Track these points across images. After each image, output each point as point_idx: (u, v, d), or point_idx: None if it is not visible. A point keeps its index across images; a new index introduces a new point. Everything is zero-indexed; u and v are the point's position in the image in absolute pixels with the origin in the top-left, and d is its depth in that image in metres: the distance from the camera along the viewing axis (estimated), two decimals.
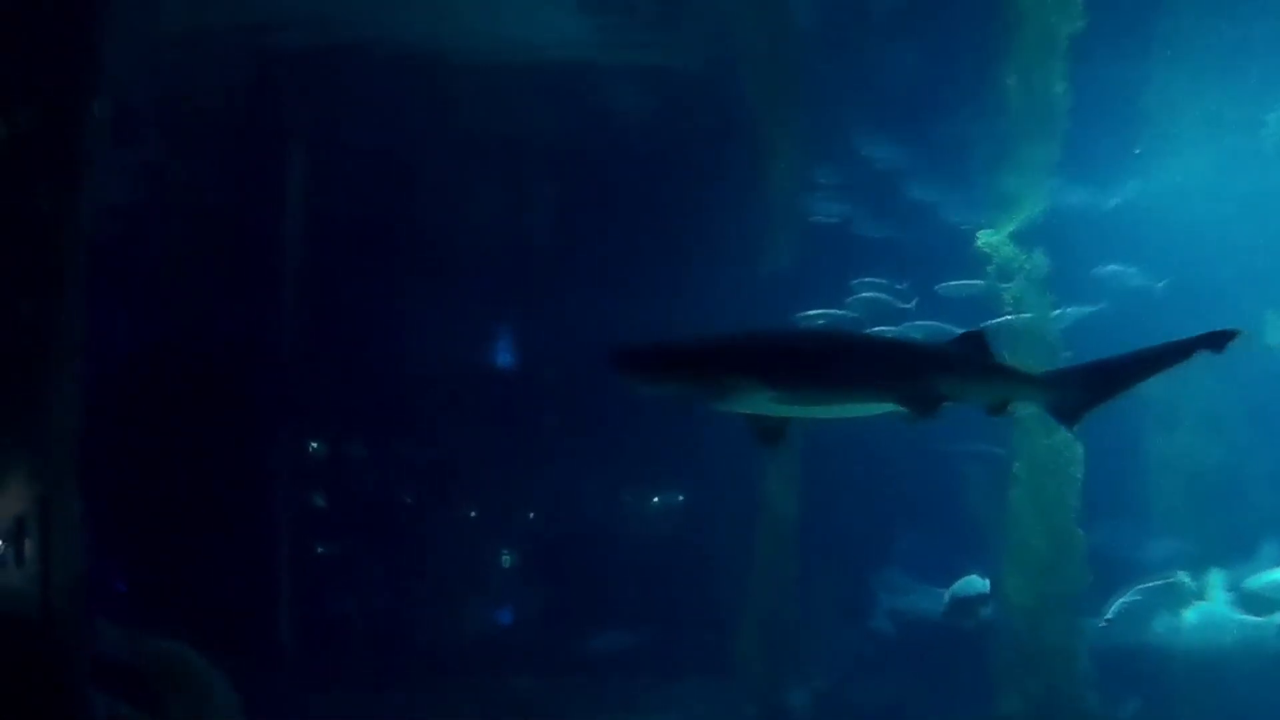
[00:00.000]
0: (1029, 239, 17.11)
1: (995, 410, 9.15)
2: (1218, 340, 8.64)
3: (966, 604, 16.50)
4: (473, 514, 21.14)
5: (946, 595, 16.88)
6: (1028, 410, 8.78)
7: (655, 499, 21.72)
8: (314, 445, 20.63)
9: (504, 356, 22.19)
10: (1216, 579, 16.96)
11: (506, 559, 21.04)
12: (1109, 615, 16.31)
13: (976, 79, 17.50)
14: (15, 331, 10.80)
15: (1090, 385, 9.15)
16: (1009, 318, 16.48)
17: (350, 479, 20.79)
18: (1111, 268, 18.04)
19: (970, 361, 9.00)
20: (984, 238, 17.06)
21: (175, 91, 17.27)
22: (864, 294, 17.58)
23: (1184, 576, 16.98)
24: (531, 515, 21.40)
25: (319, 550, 20.37)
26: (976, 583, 16.60)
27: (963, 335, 9.15)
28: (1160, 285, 17.94)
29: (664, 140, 19.57)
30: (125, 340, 17.80)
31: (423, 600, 19.96)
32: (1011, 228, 17.12)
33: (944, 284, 17.18)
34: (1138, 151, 18.71)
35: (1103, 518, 16.58)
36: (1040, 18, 16.93)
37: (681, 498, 21.67)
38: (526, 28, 17.46)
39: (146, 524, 17.08)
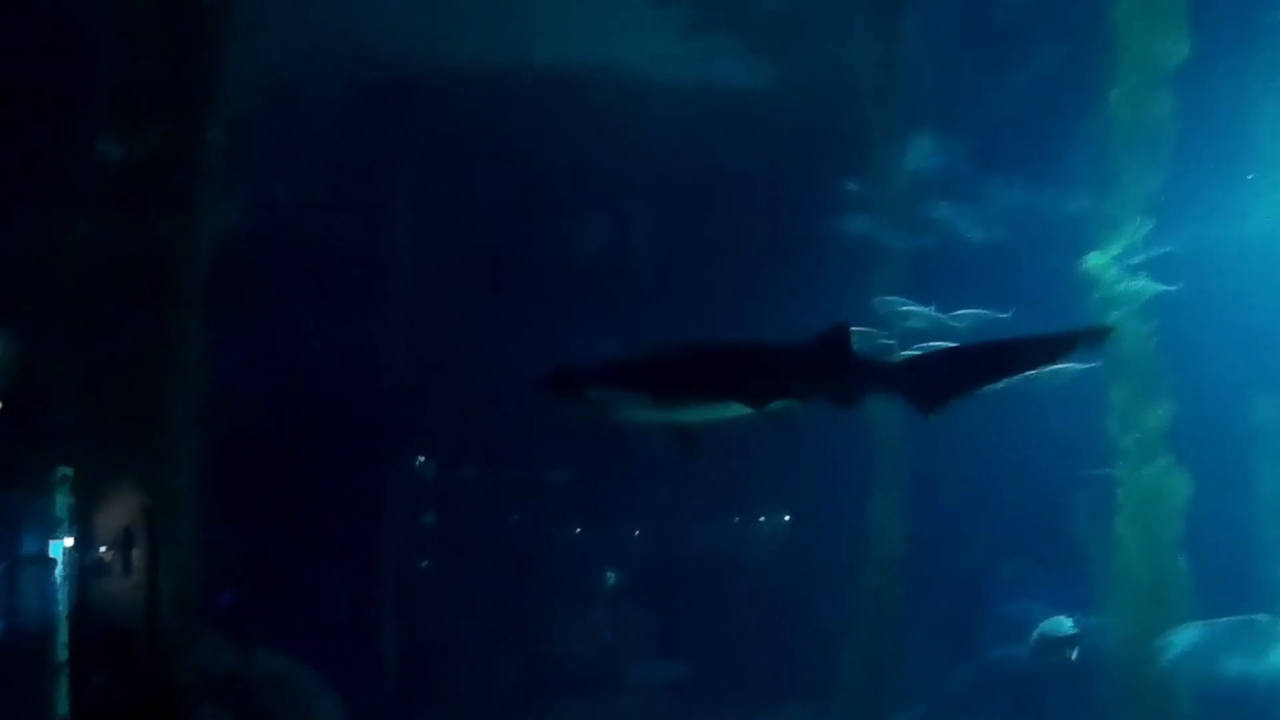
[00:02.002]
0: (1133, 265, 16.55)
1: (849, 403, 9.28)
2: (1088, 337, 9.12)
3: (1054, 644, 16.00)
4: (577, 535, 20.92)
5: (1035, 634, 16.36)
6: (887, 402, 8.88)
7: (760, 521, 21.36)
8: (421, 466, 20.51)
9: None
10: None
11: (610, 581, 20.76)
12: (1173, 655, 15.43)
13: (1079, 103, 16.99)
14: (132, 350, 10.76)
15: (949, 373, 9.21)
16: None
17: (455, 500, 20.63)
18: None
19: (826, 359, 9.19)
20: (1091, 261, 16.52)
21: (285, 116, 17.34)
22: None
23: (1264, 616, 16.09)
24: (636, 537, 21.12)
25: (425, 570, 20.22)
26: (1064, 624, 16.09)
27: (823, 332, 9.29)
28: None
29: (766, 164, 19.27)
30: (236, 362, 17.87)
31: (527, 621, 19.71)
32: (1116, 252, 16.58)
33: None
34: (1250, 178, 18.04)
35: None
36: (1144, 43, 16.40)
37: (786, 518, 21.29)
38: (629, 50, 17.34)
39: (257, 540, 17.06)
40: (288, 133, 17.29)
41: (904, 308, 16.27)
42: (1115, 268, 16.49)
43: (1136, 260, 16.50)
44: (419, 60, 17.33)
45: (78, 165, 11.52)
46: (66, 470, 10.21)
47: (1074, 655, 15.86)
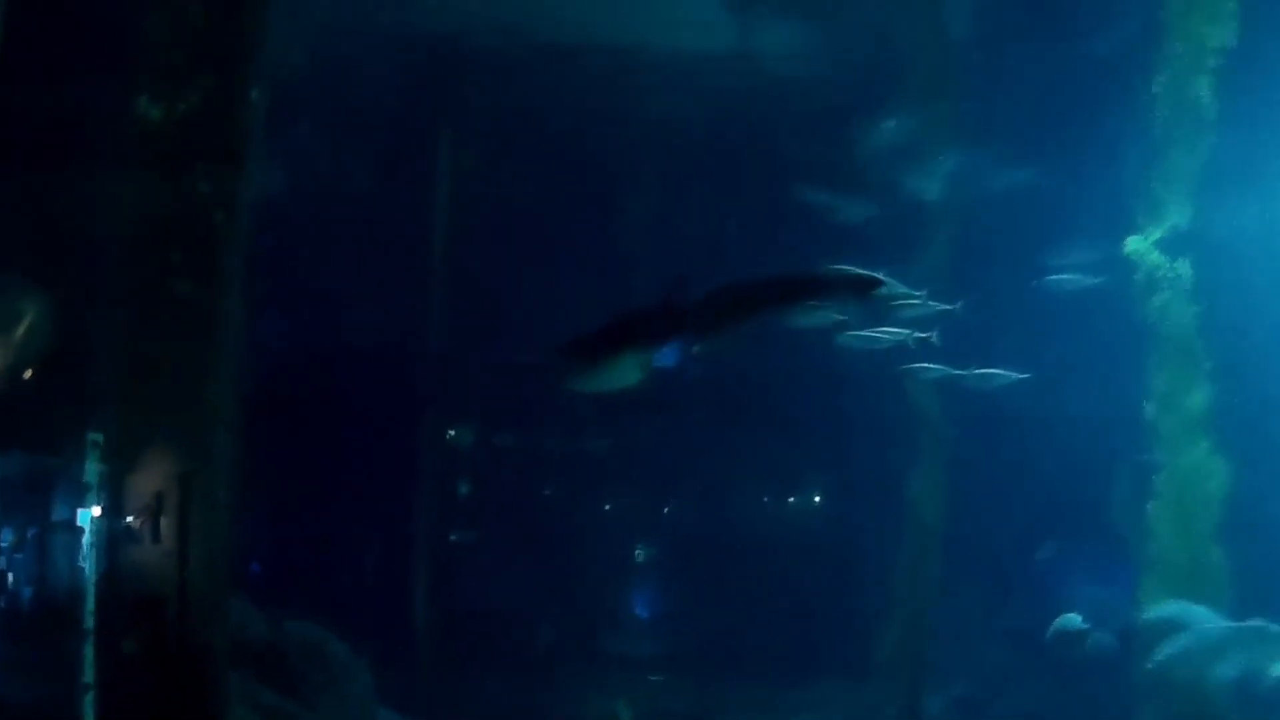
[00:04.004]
0: (1175, 248, 16.22)
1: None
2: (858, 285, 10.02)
3: (1066, 639, 15.64)
4: (610, 509, 20.53)
5: (1050, 630, 15.97)
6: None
7: (799, 498, 20.95)
8: (453, 436, 20.17)
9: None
10: None
11: (643, 555, 20.44)
12: (1158, 658, 14.77)
13: (1123, 85, 16.54)
14: (170, 311, 10.31)
15: (713, 307, 10.31)
16: None
17: (488, 471, 20.30)
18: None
19: (663, 304, 10.45)
20: (1131, 244, 16.04)
21: (330, 78, 16.95)
22: None
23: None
24: (670, 512, 20.71)
25: (455, 539, 19.90)
26: (1074, 620, 15.90)
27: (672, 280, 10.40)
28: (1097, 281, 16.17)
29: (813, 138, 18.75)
30: (273, 327, 17.53)
31: (558, 593, 19.40)
32: (1158, 236, 16.12)
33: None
34: None
35: None
36: (1190, 27, 15.91)
37: (818, 499, 20.87)
38: (671, 25, 16.97)
39: (289, 508, 16.75)
40: (333, 95, 16.94)
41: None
42: (1156, 251, 16.15)
43: (1178, 244, 16.10)
44: (465, 28, 16.96)
45: (116, 125, 11.04)
46: (97, 436, 9.78)
47: (1086, 649, 15.54)
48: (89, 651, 9.25)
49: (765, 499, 21.00)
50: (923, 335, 14.72)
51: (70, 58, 12.43)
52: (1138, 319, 16.06)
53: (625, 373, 10.22)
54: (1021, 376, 15.42)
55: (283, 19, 11.26)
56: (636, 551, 20.42)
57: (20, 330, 11.68)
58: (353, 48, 17.02)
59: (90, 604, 9.33)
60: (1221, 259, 16.41)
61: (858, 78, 18.22)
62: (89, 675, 9.31)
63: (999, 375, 15.56)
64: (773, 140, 18.76)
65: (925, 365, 15.56)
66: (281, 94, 11.53)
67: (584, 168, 19.35)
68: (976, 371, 15.70)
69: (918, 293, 14.71)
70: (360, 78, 17.73)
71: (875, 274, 11.02)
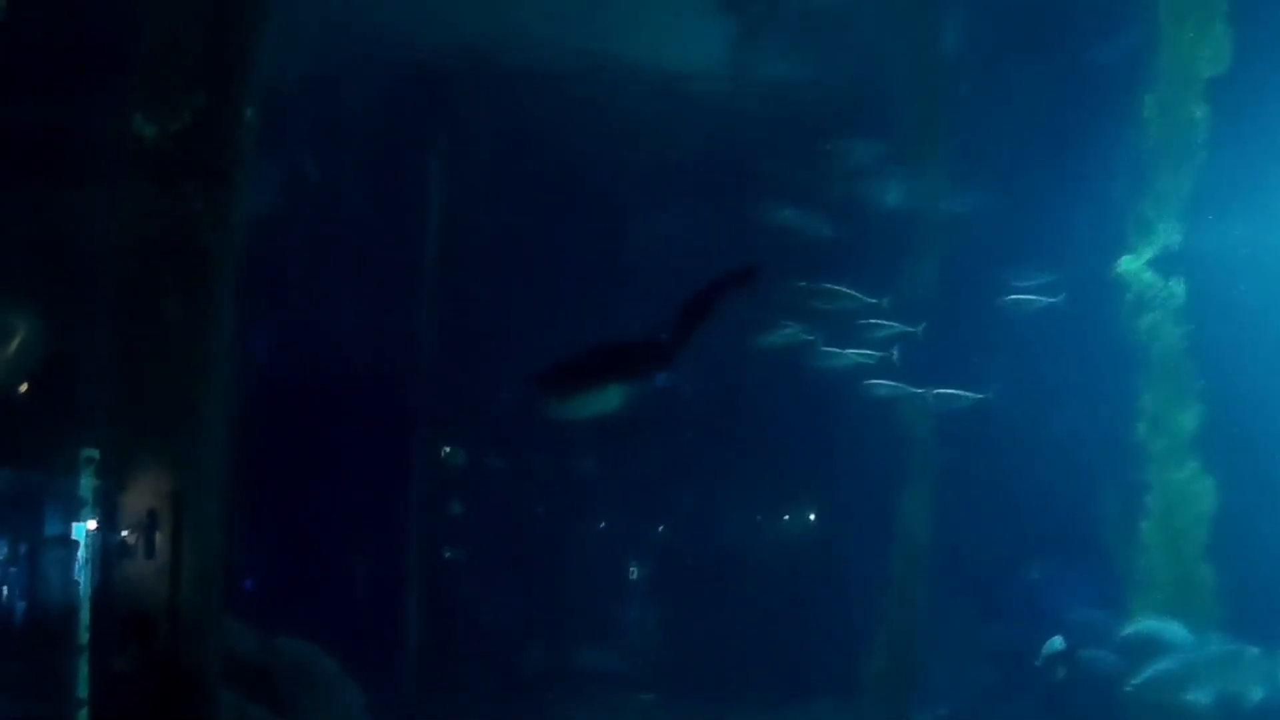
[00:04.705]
0: (1167, 268, 16.21)
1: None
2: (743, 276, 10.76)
3: (1049, 661, 15.80)
4: (603, 528, 20.58)
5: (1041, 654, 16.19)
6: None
7: (785, 519, 21.04)
8: (448, 453, 20.20)
9: None
10: None
11: (634, 574, 20.46)
12: (1137, 680, 14.83)
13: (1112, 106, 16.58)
14: (161, 329, 10.44)
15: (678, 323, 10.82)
16: None
17: (483, 489, 20.32)
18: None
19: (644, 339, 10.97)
20: (1124, 264, 16.15)
21: (321, 97, 17.07)
22: None
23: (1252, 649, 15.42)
24: (661, 532, 20.78)
25: (449, 558, 19.92)
26: (1056, 643, 15.91)
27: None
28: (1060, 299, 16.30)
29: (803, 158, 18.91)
30: (265, 344, 17.58)
31: (550, 612, 19.41)
32: (1150, 255, 16.23)
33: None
34: None
35: None
36: (1181, 51, 16.08)
37: (812, 517, 20.96)
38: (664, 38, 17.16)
39: (281, 526, 16.79)
40: (324, 114, 17.00)
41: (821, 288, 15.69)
42: (1149, 271, 16.27)
43: (1169, 263, 16.23)
44: (454, 48, 17.05)
45: (110, 143, 11.18)
46: (92, 452, 9.89)
47: (1064, 671, 15.61)
48: (83, 667, 9.35)
49: (756, 519, 21.02)
50: (884, 354, 15.06)
51: (66, 76, 12.58)
52: (1128, 338, 16.11)
53: (603, 400, 10.48)
54: (980, 396, 15.61)
55: (275, 40, 11.44)
56: (628, 571, 20.46)
57: (12, 347, 11.80)
58: (344, 68, 17.15)
59: (85, 620, 9.44)
60: (1212, 278, 16.53)
61: (849, 96, 18.35)
62: (82, 691, 9.42)
63: (960, 396, 15.75)
64: (760, 158, 18.92)
65: (883, 383, 15.76)
66: (275, 109, 11.66)
67: (574, 186, 19.50)
68: (936, 391, 15.90)
69: (873, 300, 15.08)
70: (350, 97, 17.86)
71: (753, 264, 11.57)
